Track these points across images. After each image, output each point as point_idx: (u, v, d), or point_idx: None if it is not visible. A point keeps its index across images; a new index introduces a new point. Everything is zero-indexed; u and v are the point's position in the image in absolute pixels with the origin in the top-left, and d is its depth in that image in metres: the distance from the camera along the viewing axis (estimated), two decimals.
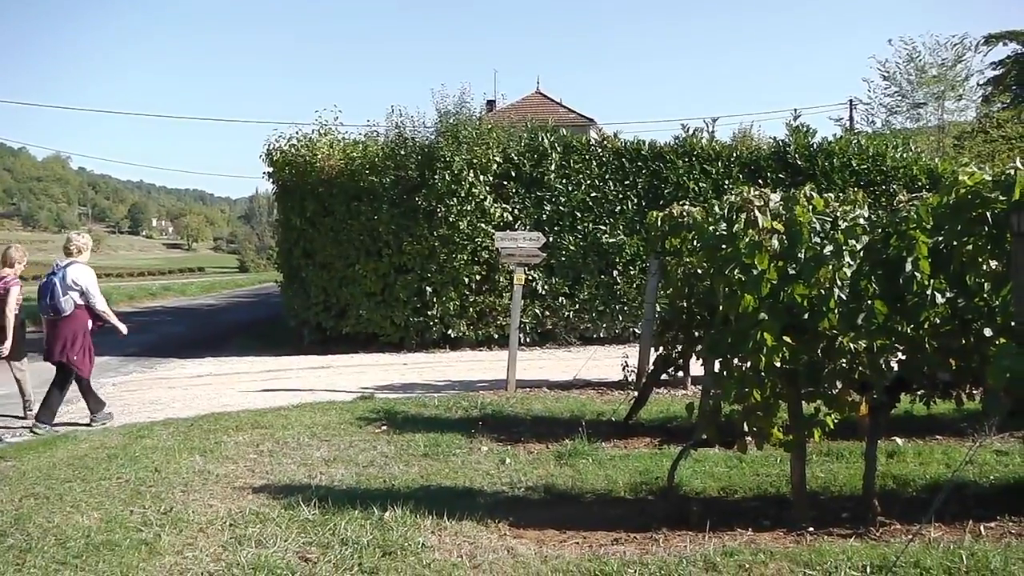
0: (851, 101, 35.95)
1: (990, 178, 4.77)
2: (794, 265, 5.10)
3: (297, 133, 17.63)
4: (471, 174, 16.15)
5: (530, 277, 15.82)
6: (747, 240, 5.14)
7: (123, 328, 10.31)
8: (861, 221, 5.23)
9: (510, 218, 16.57)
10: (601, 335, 16.95)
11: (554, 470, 7.02)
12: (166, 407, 10.72)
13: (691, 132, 17.70)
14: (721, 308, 5.41)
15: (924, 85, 30.76)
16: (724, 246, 5.39)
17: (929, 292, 5.04)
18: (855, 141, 17.73)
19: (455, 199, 16.07)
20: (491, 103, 36.67)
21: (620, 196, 16.82)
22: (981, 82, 33.80)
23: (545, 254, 12.62)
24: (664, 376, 8.54)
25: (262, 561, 4.94)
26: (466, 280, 16.35)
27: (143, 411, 10.46)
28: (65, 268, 9.59)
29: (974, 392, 5.74)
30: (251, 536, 5.43)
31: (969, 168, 4.95)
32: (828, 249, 5.04)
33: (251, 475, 7.08)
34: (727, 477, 6.60)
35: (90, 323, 9.77)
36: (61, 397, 9.86)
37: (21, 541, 5.43)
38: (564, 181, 16.75)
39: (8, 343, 9.96)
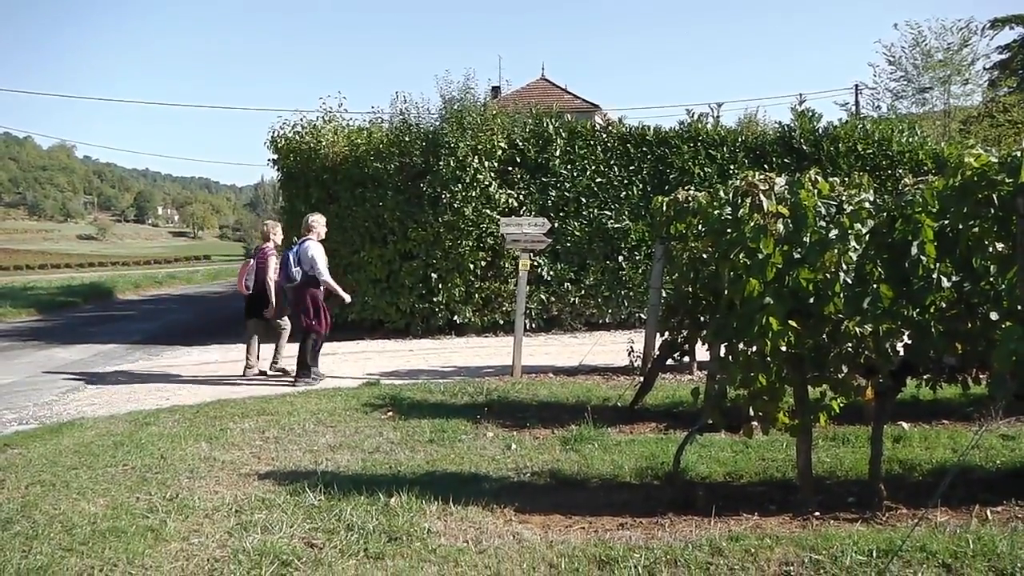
0: (856, 86, 35.78)
1: (996, 160, 4.74)
2: (799, 249, 5.08)
3: (301, 120, 17.60)
4: (476, 160, 16.11)
5: (535, 263, 15.81)
6: (752, 224, 5.13)
7: (347, 297, 12.08)
8: (866, 205, 5.20)
9: (515, 204, 16.54)
10: (607, 321, 16.93)
11: (560, 455, 7.02)
12: (172, 394, 10.74)
13: (696, 117, 17.61)
14: (726, 293, 5.40)
15: (930, 69, 30.61)
16: (729, 230, 5.37)
17: (935, 276, 5.01)
18: (860, 126, 17.64)
19: (460, 185, 16.03)
20: (496, 89, 36.64)
21: (625, 181, 16.78)
22: (987, 66, 33.66)
23: (550, 240, 12.60)
24: (670, 361, 8.51)
25: (268, 547, 4.95)
26: (471, 266, 16.33)
27: (149, 398, 10.48)
28: (300, 244, 11.36)
29: (980, 376, 5.72)
30: (257, 522, 5.44)
31: (975, 150, 4.91)
32: (833, 233, 5.02)
33: (257, 461, 7.10)
34: (733, 462, 6.59)
35: (320, 290, 11.33)
36: (315, 353, 11.46)
37: (27, 528, 5.44)
38: (569, 167, 16.70)
39: (272, 306, 11.91)
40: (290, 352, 12.08)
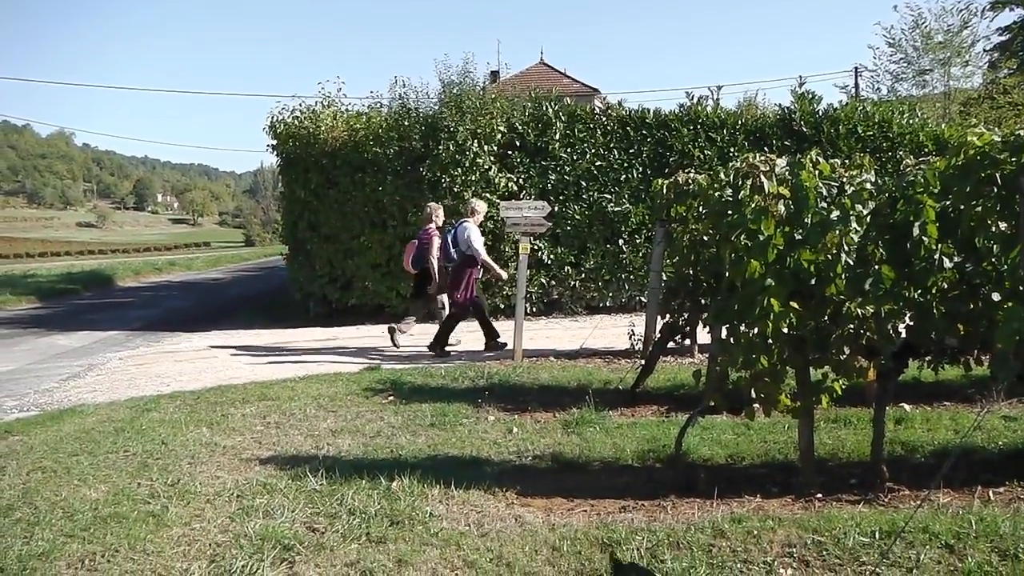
0: (856, 68, 35.66)
1: (1000, 139, 4.72)
2: (800, 230, 5.06)
3: (300, 105, 17.52)
4: (475, 144, 16.05)
5: (535, 247, 15.77)
6: (753, 206, 5.10)
7: (504, 274, 13.07)
8: (868, 186, 5.18)
9: (515, 188, 16.48)
10: (607, 304, 16.90)
11: (561, 439, 7.02)
12: (173, 380, 10.74)
13: (696, 100, 17.55)
14: (727, 275, 5.38)
15: (930, 51, 30.56)
16: (730, 212, 5.35)
17: (937, 257, 5.00)
18: (861, 108, 17.57)
19: (459, 169, 15.98)
20: (495, 74, 36.44)
21: (625, 165, 16.72)
22: (987, 48, 33.48)
23: (550, 223, 12.57)
24: (671, 344, 8.51)
25: (270, 532, 4.95)
26: None
27: (150, 384, 10.48)
28: (458, 226, 12.12)
29: (982, 357, 5.70)
30: (258, 507, 5.44)
31: (978, 129, 4.89)
32: (835, 214, 4.99)
33: (258, 447, 7.10)
34: (734, 444, 6.59)
35: (475, 270, 12.02)
36: (453, 327, 12.26)
37: (29, 514, 5.45)
38: (569, 150, 16.64)
39: (435, 283, 12.52)
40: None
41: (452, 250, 12.05)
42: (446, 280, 12.40)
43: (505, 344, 11.91)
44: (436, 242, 12.41)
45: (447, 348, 12.18)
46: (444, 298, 12.75)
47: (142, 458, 6.76)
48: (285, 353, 12.87)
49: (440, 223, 12.91)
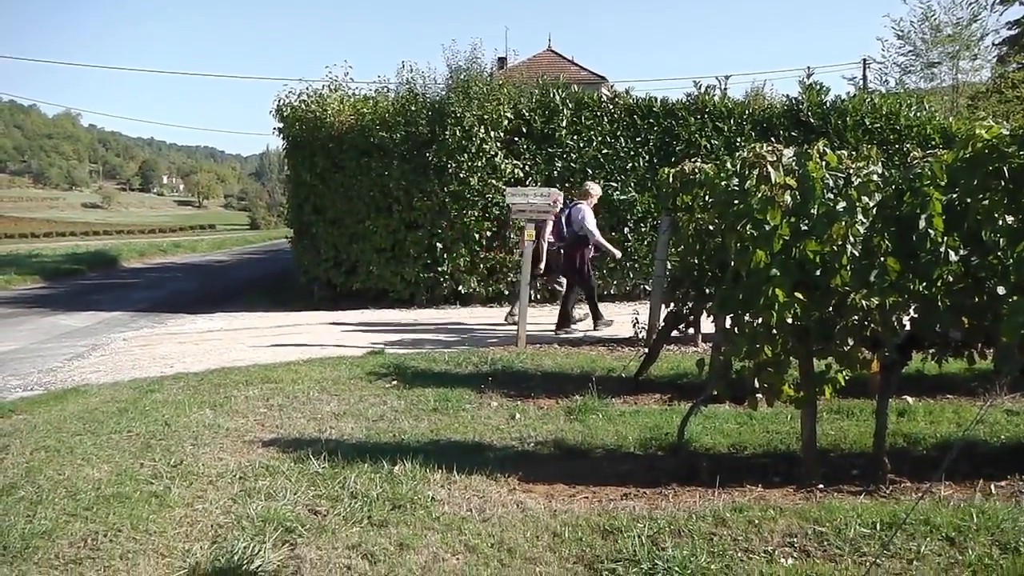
0: (864, 60, 35.56)
1: (1008, 132, 4.70)
2: (806, 221, 5.05)
3: (307, 89, 17.52)
4: (482, 130, 16.06)
5: None
6: (759, 195, 5.09)
7: (617, 253, 13.21)
8: (875, 178, 5.16)
9: (521, 174, 16.49)
10: (612, 292, 16.90)
11: (564, 425, 7.03)
12: (176, 362, 10.75)
13: (703, 89, 17.50)
14: (733, 264, 5.37)
15: (938, 44, 30.43)
16: (736, 202, 5.34)
17: (942, 249, 4.98)
18: (868, 100, 17.51)
19: (466, 155, 16.00)
20: (502, 60, 36.32)
21: (632, 153, 16.71)
22: (996, 42, 33.27)
23: (556, 210, 12.58)
24: (675, 333, 8.51)
25: (272, 514, 4.96)
26: (476, 236, 16.34)
27: (154, 366, 10.50)
28: (572, 207, 12.40)
29: (986, 351, 5.70)
30: (261, 489, 5.46)
31: (987, 122, 4.87)
32: (841, 205, 4.98)
33: (261, 429, 7.11)
34: (737, 433, 6.59)
35: (588, 250, 12.28)
36: (573, 303, 12.62)
37: (32, 493, 5.46)
38: (575, 137, 16.64)
39: (542, 264, 12.79)
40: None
41: (564, 231, 12.33)
42: (557, 260, 12.79)
43: (611, 322, 12.52)
44: (549, 225, 12.58)
45: (573, 326, 12.54)
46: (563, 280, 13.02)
47: (145, 439, 6.77)
48: (289, 336, 12.87)
49: (558, 208, 12.93)
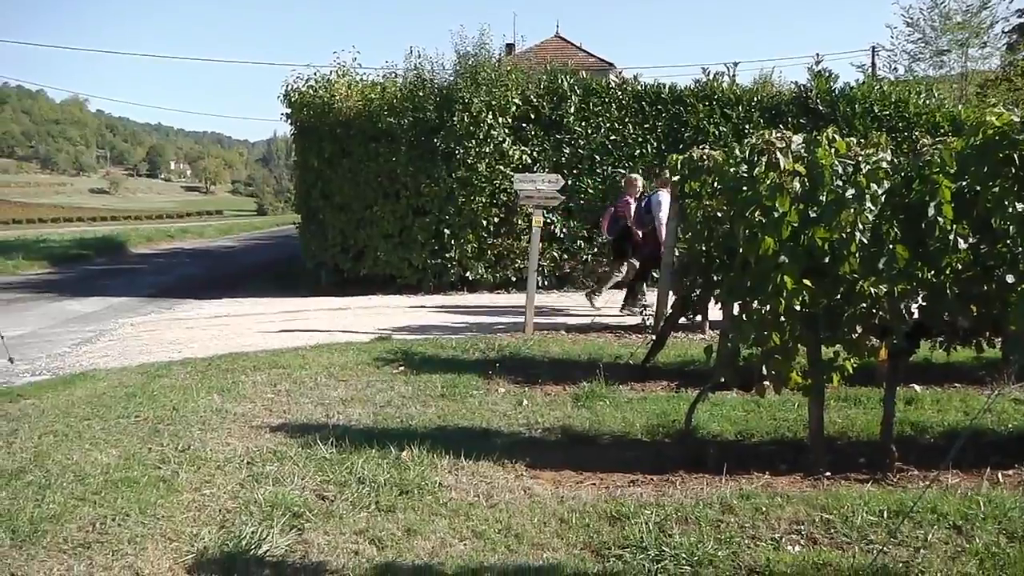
0: (873, 48, 35.29)
1: (1018, 119, 4.68)
2: (815, 208, 5.03)
3: (315, 74, 17.49)
4: (490, 116, 16.03)
5: (548, 220, 15.74)
6: (768, 182, 5.08)
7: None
8: (884, 165, 5.14)
9: (529, 160, 16.45)
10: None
11: (571, 412, 7.03)
12: (184, 347, 10.78)
13: (712, 76, 17.43)
14: (741, 251, 5.35)
15: (948, 32, 30.19)
16: (745, 188, 5.33)
17: (951, 237, 4.97)
18: (877, 87, 17.44)
19: (474, 141, 15.96)
20: (510, 47, 36.26)
21: (640, 139, 16.67)
22: (1006, 29, 33.03)
23: (563, 197, 12.57)
24: (682, 320, 8.49)
25: (279, 499, 4.98)
26: (484, 222, 16.32)
27: (161, 351, 10.52)
28: (652, 195, 12.44)
29: (994, 340, 5.69)
30: (268, 474, 5.48)
31: (997, 109, 4.85)
32: (850, 192, 4.96)
33: (268, 414, 7.13)
34: (744, 421, 6.60)
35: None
36: (641, 286, 12.87)
37: (40, 477, 5.49)
38: (583, 124, 16.60)
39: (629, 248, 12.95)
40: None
41: (643, 217, 12.39)
42: (621, 246, 13.13)
43: (641, 311, 12.18)
44: (631, 210, 12.77)
45: (638, 305, 12.51)
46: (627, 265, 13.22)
47: (153, 423, 6.80)
48: (296, 321, 12.88)
49: (637, 193, 13.18)
